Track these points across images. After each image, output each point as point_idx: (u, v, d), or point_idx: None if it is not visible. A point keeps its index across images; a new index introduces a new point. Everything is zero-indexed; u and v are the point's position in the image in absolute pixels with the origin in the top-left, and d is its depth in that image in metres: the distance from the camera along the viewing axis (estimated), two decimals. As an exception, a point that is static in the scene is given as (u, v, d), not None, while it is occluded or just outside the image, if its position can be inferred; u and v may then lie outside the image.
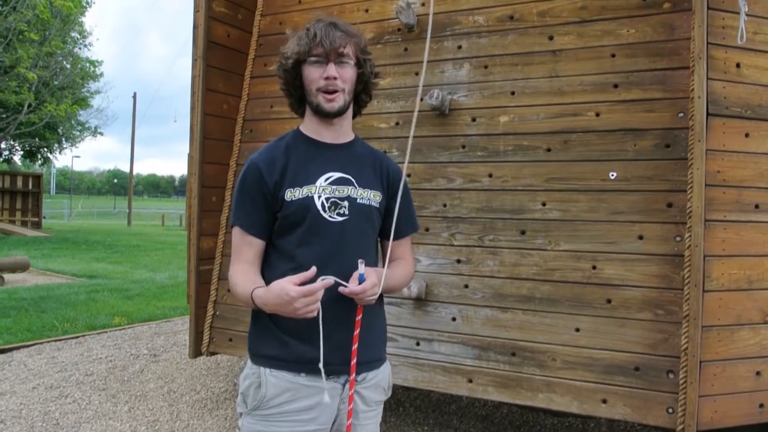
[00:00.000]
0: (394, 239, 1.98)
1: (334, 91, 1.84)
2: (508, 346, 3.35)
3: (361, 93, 1.97)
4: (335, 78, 1.83)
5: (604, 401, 3.10)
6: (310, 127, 1.95)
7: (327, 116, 1.89)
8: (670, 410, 2.95)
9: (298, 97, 1.94)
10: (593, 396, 3.13)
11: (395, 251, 1.99)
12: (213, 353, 4.30)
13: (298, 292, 1.64)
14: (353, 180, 1.90)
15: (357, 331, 1.82)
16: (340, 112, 1.89)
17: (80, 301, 8.53)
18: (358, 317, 1.82)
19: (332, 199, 1.85)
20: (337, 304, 1.80)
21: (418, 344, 3.57)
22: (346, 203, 1.86)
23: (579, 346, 3.20)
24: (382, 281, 1.83)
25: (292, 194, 1.84)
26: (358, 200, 1.88)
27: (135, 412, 4.42)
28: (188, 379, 5.23)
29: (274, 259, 1.88)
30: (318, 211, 1.83)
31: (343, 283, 1.76)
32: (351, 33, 1.86)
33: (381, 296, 1.96)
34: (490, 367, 3.37)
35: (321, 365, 1.77)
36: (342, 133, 1.96)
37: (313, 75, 1.84)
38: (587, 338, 3.18)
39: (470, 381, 3.40)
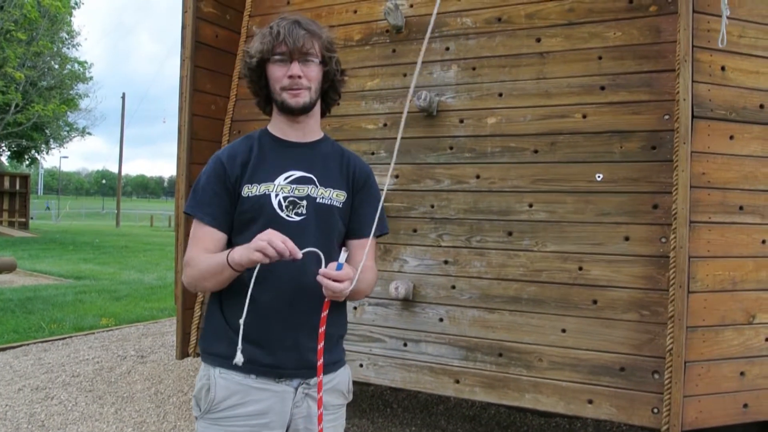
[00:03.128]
0: (357, 238, 1.91)
1: (299, 89, 1.82)
2: (495, 347, 3.36)
3: (329, 91, 1.94)
4: (299, 77, 1.81)
5: (590, 401, 3.12)
6: (276, 125, 1.93)
7: (293, 113, 1.86)
8: (655, 410, 2.97)
9: (265, 96, 1.92)
10: (579, 396, 3.15)
11: (358, 254, 1.88)
12: (200, 354, 4.28)
13: (276, 233, 1.63)
14: (315, 179, 1.86)
15: (322, 329, 1.75)
16: (305, 109, 1.86)
17: (67, 302, 8.48)
18: (324, 313, 1.74)
19: (290, 198, 1.81)
20: (293, 306, 1.78)
21: (405, 345, 3.58)
22: (304, 203, 1.82)
23: (565, 346, 3.21)
24: (356, 279, 1.73)
25: (249, 190, 1.81)
26: (317, 200, 1.84)
27: (122, 414, 4.39)
28: (175, 380, 5.21)
29: None
30: (274, 209, 1.79)
31: (323, 261, 1.70)
32: (315, 31, 1.83)
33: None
34: (477, 368, 3.38)
35: (240, 335, 1.73)
36: (308, 132, 1.93)
37: (277, 74, 1.82)
38: (573, 339, 3.20)
39: (457, 382, 3.41)
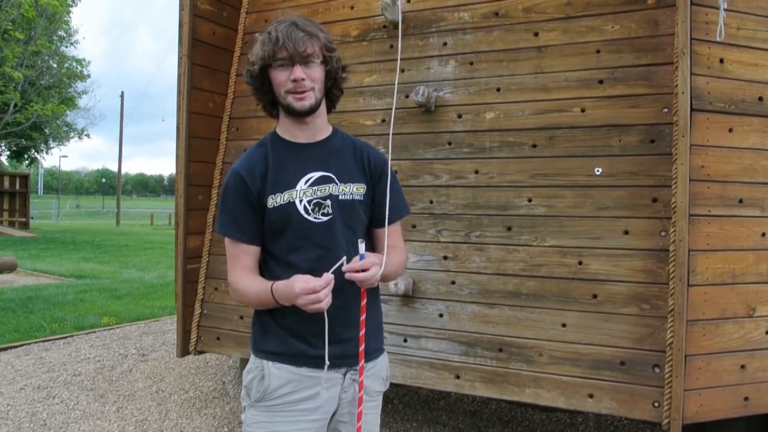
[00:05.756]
0: (382, 227, 2.00)
1: (303, 92, 1.85)
2: (495, 342, 3.36)
3: (332, 88, 1.97)
4: (303, 79, 1.83)
5: (591, 396, 3.12)
6: (285, 129, 1.96)
7: (299, 115, 1.89)
8: (656, 404, 2.97)
9: (270, 101, 1.95)
10: (580, 391, 3.14)
11: (385, 239, 1.99)
12: (201, 352, 4.29)
13: (301, 288, 1.71)
14: (334, 177, 1.91)
15: (363, 317, 1.87)
16: (311, 110, 1.89)
17: (68, 302, 8.47)
18: (363, 302, 1.86)
19: (315, 201, 1.87)
20: (337, 302, 1.83)
21: (405, 341, 3.57)
22: (329, 202, 1.88)
23: (565, 341, 3.21)
24: (384, 263, 1.87)
25: (273, 201, 1.87)
26: (340, 197, 1.90)
27: (123, 412, 4.40)
28: (177, 378, 5.21)
29: (271, 264, 1.91)
30: (301, 215, 1.86)
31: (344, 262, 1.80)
32: (313, 32, 1.86)
33: (377, 287, 1.99)
34: (477, 363, 3.38)
35: (326, 358, 1.84)
36: (317, 130, 1.96)
37: (280, 78, 1.85)
38: (573, 333, 3.20)
39: (458, 377, 3.41)
